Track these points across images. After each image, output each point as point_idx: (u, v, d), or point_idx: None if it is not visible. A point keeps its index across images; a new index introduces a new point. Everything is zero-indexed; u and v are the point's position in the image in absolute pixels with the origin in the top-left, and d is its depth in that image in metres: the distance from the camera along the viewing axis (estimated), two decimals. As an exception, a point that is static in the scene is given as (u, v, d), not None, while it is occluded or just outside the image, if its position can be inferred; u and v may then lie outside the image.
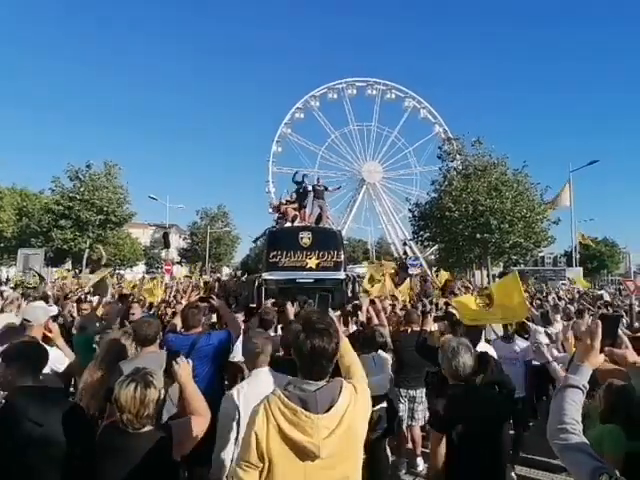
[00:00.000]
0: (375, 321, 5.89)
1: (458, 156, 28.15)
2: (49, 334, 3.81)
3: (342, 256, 10.88)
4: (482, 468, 2.68)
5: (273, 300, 7.91)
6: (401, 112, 55.84)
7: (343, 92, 53.93)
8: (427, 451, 5.50)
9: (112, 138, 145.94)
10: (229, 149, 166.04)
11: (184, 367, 2.46)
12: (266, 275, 10.24)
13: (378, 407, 4.62)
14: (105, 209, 30.74)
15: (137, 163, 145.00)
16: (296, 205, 13.07)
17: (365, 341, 4.84)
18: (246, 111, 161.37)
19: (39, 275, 12.42)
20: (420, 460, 5.46)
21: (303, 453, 1.82)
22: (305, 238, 10.66)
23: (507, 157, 27.09)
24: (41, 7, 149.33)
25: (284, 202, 13.59)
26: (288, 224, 12.50)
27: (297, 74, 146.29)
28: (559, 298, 11.87)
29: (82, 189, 30.60)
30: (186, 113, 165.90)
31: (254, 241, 16.05)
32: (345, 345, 2.23)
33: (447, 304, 8.30)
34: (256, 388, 2.79)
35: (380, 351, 4.89)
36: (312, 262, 10.44)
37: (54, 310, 4.15)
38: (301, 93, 55.58)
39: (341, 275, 10.45)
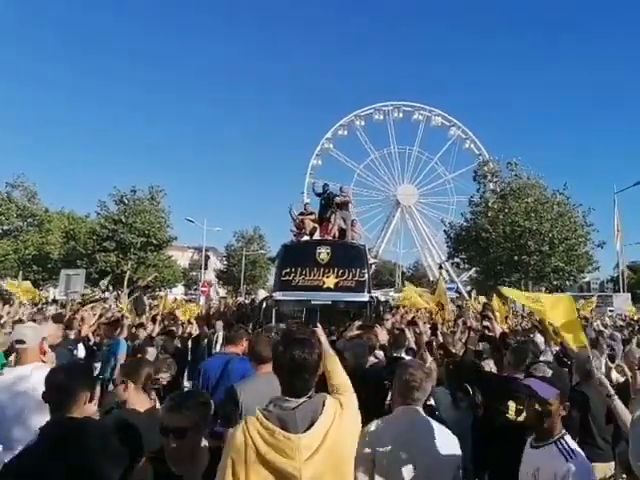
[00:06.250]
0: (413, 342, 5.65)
1: (494, 178, 27.79)
2: (44, 358, 3.28)
3: (366, 275, 9.46)
4: None
5: (283, 325, 7.62)
6: (445, 140, 55.63)
7: (389, 115, 54.26)
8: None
9: (153, 162, 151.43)
10: (266, 172, 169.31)
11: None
12: (277, 295, 9.16)
13: None
14: (146, 232, 31.86)
15: (176, 186, 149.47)
16: (314, 217, 11.60)
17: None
18: (284, 136, 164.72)
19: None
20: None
21: (283, 477, 1.67)
22: (323, 253, 9.38)
23: (541, 177, 26.64)
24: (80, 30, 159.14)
25: (303, 213, 12.04)
26: (306, 238, 11.14)
27: (333, 97, 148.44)
28: (604, 326, 11.27)
29: (125, 213, 31.94)
30: (224, 137, 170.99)
31: (272, 260, 14.60)
32: (333, 362, 2.09)
33: (485, 327, 8.05)
34: (395, 428, 2.34)
35: None
36: (330, 281, 9.15)
37: (44, 331, 3.65)
38: (340, 117, 55.97)
39: (364, 297, 9.06)
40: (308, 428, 1.71)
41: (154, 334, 7.47)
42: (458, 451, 2.43)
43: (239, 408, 2.94)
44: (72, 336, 6.72)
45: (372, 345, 4.98)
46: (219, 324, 10.29)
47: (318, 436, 1.71)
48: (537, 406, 2.26)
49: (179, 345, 7.89)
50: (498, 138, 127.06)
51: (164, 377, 4.23)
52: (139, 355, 5.14)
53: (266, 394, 2.97)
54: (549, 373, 2.88)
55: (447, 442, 2.41)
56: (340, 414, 1.81)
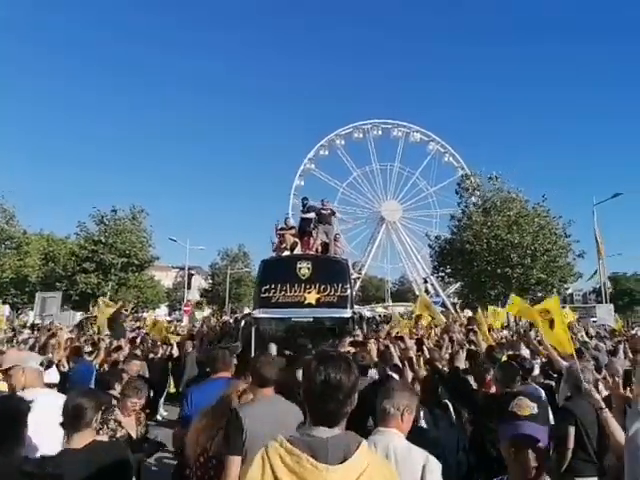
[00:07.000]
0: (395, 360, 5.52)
1: (476, 192, 28.16)
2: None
3: (348, 290, 9.21)
4: None
5: (273, 344, 7.24)
6: (424, 155, 56.36)
7: (368, 132, 55.01)
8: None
9: (134, 181, 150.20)
10: (251, 190, 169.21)
11: None
12: (257, 313, 8.92)
13: None
14: (127, 252, 31.33)
15: (160, 205, 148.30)
16: (295, 231, 11.44)
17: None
18: (269, 152, 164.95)
19: None
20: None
21: None
22: (304, 268, 9.10)
23: (521, 190, 27.02)
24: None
25: (283, 228, 11.78)
26: (287, 253, 10.93)
27: (323, 115, 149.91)
28: (590, 337, 11.29)
29: (106, 233, 31.42)
30: (207, 156, 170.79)
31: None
32: None
33: (471, 342, 7.96)
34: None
35: None
36: (311, 297, 8.86)
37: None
38: (323, 134, 56.64)
39: (346, 313, 8.84)
40: (340, 463, 1.47)
41: (121, 357, 7.27)
42: (437, 477, 2.32)
43: (244, 434, 2.78)
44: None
45: (366, 364, 4.78)
46: (188, 343, 10.06)
47: (350, 474, 1.43)
48: (534, 455, 1.79)
49: (146, 372, 7.68)
50: (476, 151, 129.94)
51: (134, 402, 4.03)
52: (116, 383, 4.96)
53: (268, 418, 2.81)
54: (535, 408, 2.46)
55: (425, 468, 2.29)
56: (373, 459, 1.55)
